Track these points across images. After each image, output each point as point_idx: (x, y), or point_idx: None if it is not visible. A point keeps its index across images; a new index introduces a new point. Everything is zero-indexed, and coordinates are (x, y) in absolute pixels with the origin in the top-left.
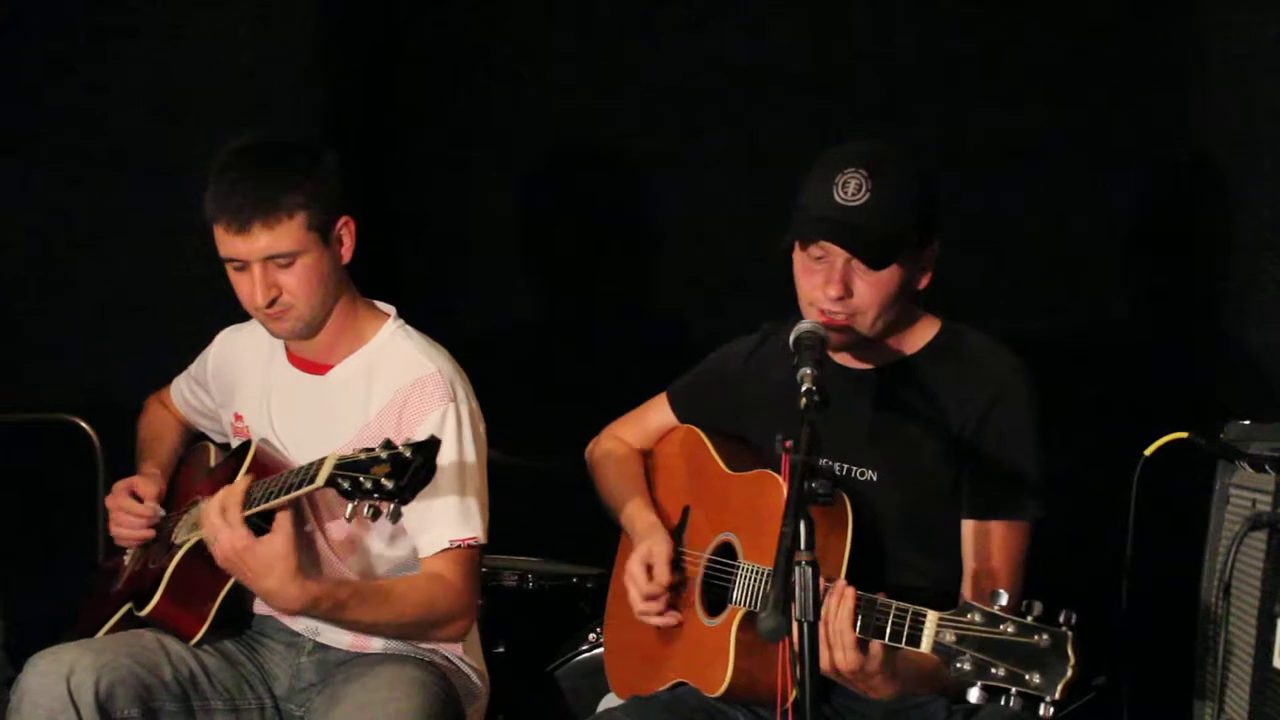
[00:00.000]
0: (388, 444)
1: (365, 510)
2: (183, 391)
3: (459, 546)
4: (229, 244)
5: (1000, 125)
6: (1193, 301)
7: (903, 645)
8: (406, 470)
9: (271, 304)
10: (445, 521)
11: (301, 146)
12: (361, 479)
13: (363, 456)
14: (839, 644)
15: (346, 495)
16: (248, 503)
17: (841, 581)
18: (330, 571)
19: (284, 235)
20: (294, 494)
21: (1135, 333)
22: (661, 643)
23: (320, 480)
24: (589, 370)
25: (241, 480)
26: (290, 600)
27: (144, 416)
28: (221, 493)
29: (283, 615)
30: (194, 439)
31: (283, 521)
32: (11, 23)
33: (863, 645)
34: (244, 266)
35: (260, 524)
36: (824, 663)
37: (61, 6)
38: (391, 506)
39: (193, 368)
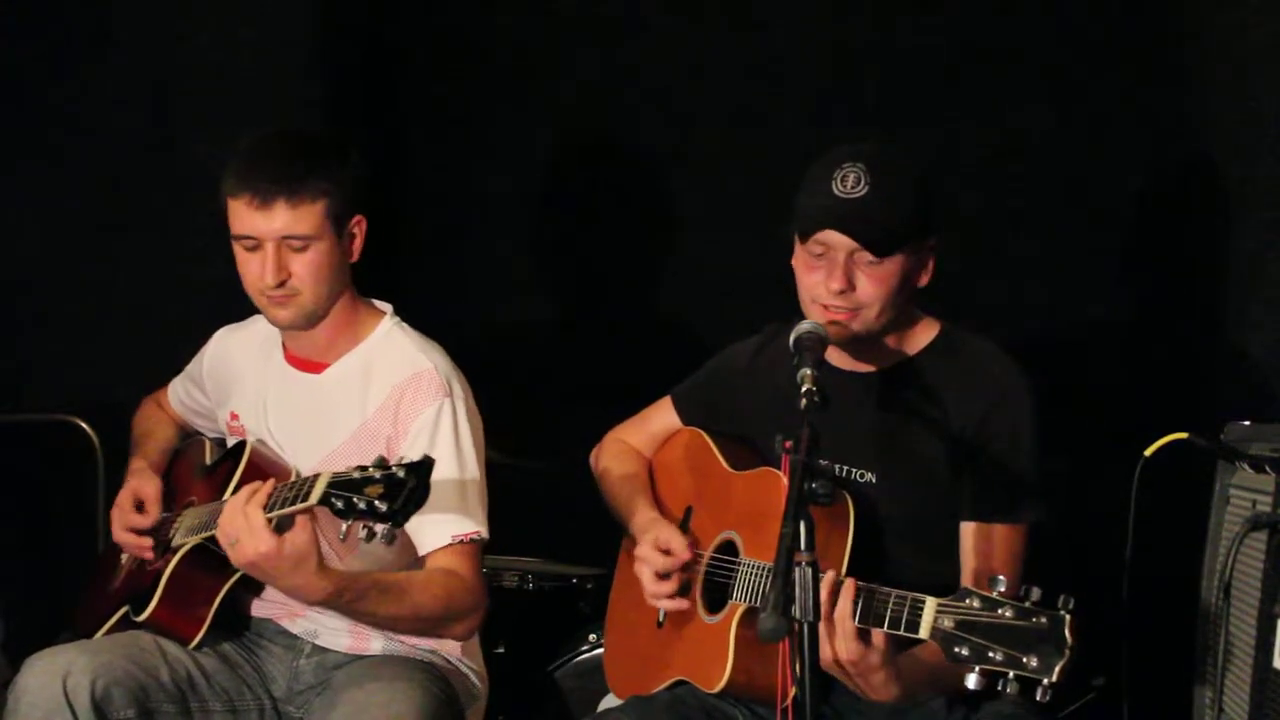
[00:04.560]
0: (381, 462)
1: (360, 531)
2: (178, 392)
3: (462, 541)
4: (247, 219)
5: (1000, 125)
6: (1193, 301)
7: (901, 632)
8: (400, 492)
9: (279, 286)
10: (446, 517)
11: (330, 138)
12: (355, 499)
13: (356, 475)
14: (840, 632)
15: (340, 515)
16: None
17: (835, 573)
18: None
19: (304, 216)
20: (289, 510)
21: (1135, 333)
22: (661, 642)
23: (314, 498)
24: (592, 372)
25: (265, 485)
26: (315, 592)
27: (138, 414)
28: (244, 495)
29: (280, 618)
30: (187, 436)
31: (303, 518)
32: None
33: (864, 635)
34: (257, 245)
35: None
36: (825, 656)
37: (61, 6)
38: (386, 528)
39: (189, 367)
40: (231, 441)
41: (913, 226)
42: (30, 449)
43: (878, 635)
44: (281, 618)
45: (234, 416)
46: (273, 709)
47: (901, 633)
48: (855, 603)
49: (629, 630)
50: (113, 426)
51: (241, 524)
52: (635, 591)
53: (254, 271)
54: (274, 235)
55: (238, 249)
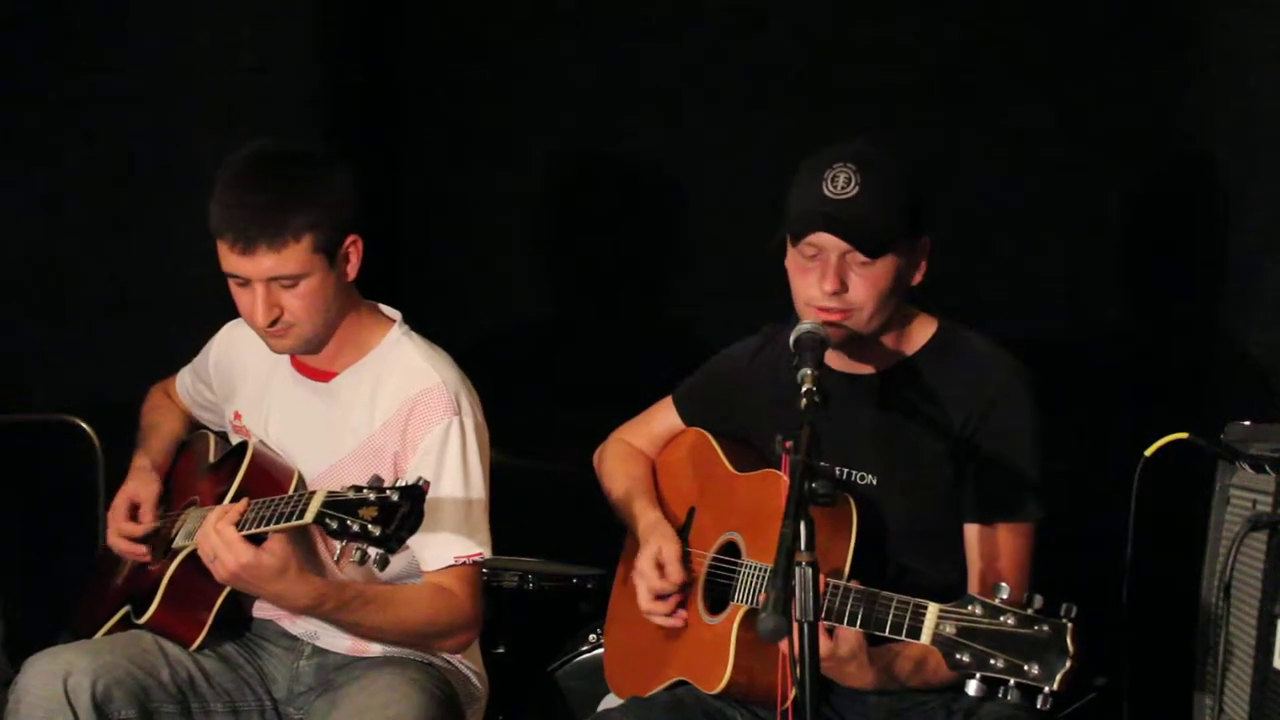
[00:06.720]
0: (376, 484)
1: (353, 553)
2: (185, 384)
3: (463, 563)
4: (232, 261)
5: (1000, 124)
6: (1193, 301)
7: (903, 637)
8: (393, 517)
9: (273, 323)
10: (450, 537)
11: (314, 160)
12: (349, 521)
13: (351, 496)
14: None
15: (334, 535)
16: (241, 523)
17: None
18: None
19: (289, 258)
20: (283, 526)
21: (1135, 333)
22: (662, 642)
23: (309, 517)
24: (594, 372)
25: (237, 503)
26: (296, 598)
27: (146, 404)
28: (215, 514)
29: (282, 619)
30: (195, 427)
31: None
32: None
33: (829, 631)
34: (246, 283)
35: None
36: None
37: (62, 7)
38: (379, 554)
39: (196, 361)
40: (235, 440)
41: (904, 225)
42: (30, 449)
43: (844, 631)
44: (283, 619)
45: (238, 416)
46: (273, 710)
47: (903, 638)
48: (823, 599)
49: (629, 630)
50: (113, 426)
51: (217, 541)
52: (636, 591)
53: (247, 307)
54: (260, 277)
55: (230, 282)
